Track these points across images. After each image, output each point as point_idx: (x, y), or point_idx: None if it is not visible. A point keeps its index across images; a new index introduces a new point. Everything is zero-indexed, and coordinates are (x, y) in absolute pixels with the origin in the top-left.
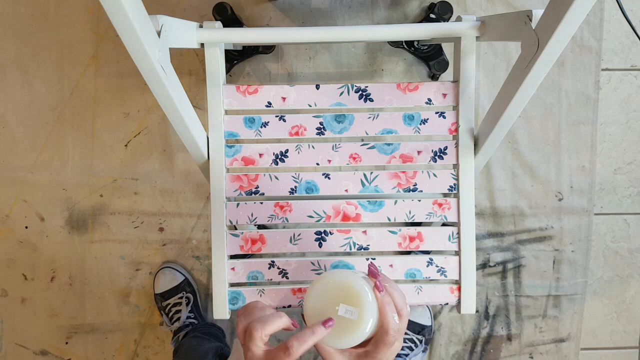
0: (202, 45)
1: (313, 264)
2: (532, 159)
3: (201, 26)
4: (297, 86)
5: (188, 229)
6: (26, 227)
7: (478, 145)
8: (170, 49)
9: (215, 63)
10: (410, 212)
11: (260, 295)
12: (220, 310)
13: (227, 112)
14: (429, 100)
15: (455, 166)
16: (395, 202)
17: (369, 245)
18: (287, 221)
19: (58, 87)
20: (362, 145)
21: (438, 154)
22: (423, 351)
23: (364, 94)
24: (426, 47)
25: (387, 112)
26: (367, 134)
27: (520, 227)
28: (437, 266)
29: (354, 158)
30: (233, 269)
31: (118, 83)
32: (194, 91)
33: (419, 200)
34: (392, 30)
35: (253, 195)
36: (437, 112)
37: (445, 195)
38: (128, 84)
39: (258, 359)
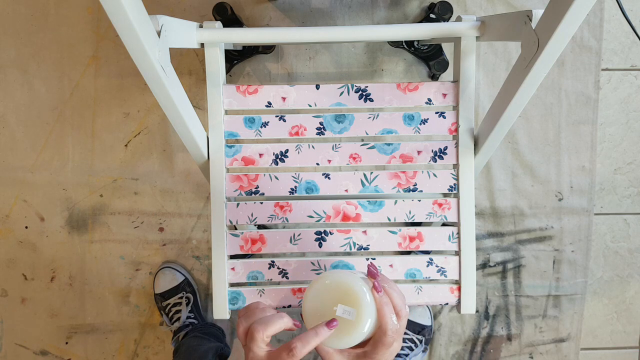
0: (202, 45)
1: (313, 264)
2: (532, 159)
3: (201, 26)
4: (297, 86)
5: (188, 229)
6: (26, 227)
7: (478, 145)
8: (170, 49)
9: (215, 63)
10: (410, 212)
11: (260, 295)
12: (220, 310)
13: (227, 112)
14: (429, 100)
15: (455, 166)
16: (395, 202)
17: (369, 245)
18: (287, 221)
19: (58, 87)
20: (362, 145)
21: (438, 154)
22: (423, 351)
23: (364, 94)
24: (426, 47)
25: (387, 112)
26: (367, 134)
27: (520, 227)
28: (437, 266)
29: (354, 158)
30: (233, 269)
31: (118, 83)
32: (194, 91)
33: (419, 200)
34: (392, 30)
35: (253, 195)
36: (437, 112)
37: (445, 195)
38: (128, 84)
39: None
